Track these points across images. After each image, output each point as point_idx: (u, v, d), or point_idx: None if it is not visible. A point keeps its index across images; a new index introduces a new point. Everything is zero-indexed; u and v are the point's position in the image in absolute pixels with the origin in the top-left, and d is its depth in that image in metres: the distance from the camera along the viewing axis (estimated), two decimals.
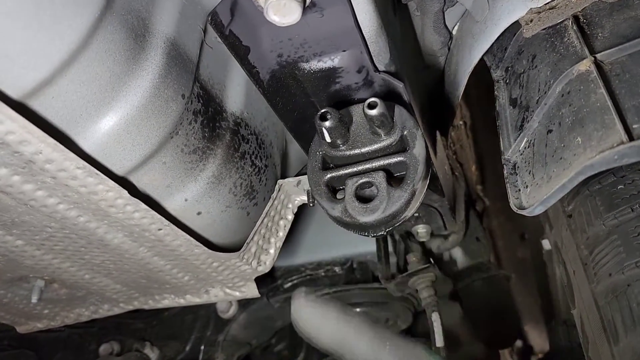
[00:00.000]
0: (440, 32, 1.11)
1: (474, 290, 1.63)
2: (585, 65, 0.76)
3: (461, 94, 1.12)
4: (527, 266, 2.11)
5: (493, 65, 1.03)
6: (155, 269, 1.14)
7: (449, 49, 1.18)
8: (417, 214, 1.43)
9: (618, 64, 0.74)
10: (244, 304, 1.62)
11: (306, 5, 0.74)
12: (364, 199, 0.82)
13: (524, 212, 0.76)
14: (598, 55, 0.76)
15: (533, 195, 0.76)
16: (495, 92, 0.99)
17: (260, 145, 1.09)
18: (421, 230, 1.45)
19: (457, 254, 1.62)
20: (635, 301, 0.73)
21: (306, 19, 0.77)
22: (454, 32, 1.15)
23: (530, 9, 0.90)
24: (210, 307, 1.64)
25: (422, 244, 1.54)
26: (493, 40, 0.97)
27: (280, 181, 1.14)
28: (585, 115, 0.71)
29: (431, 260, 1.45)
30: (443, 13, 1.08)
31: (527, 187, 0.79)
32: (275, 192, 1.13)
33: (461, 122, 1.70)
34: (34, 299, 1.21)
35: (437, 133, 1.33)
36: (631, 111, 0.67)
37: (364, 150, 0.84)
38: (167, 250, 1.04)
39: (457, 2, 1.07)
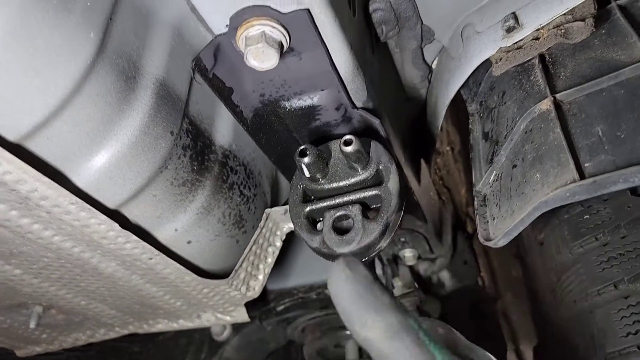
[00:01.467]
0: (420, 67, 1.15)
1: (462, 312, 1.66)
2: (546, 104, 0.80)
3: (440, 124, 1.16)
4: (521, 285, 2.13)
5: (469, 99, 1.07)
6: (147, 295, 1.17)
7: (429, 81, 1.23)
8: (403, 239, 1.47)
9: (576, 103, 0.78)
10: (237, 326, 1.65)
11: (284, 50, 0.79)
12: (341, 231, 0.85)
13: (489, 244, 0.79)
14: (558, 95, 0.80)
15: (499, 227, 0.80)
16: (470, 126, 1.03)
17: (248, 175, 1.12)
18: (408, 254, 1.48)
19: (445, 276, 1.65)
20: (596, 327, 0.77)
21: (285, 62, 0.82)
22: (433, 66, 1.20)
23: (500, 47, 0.94)
24: (205, 331, 1.67)
25: (409, 267, 1.57)
26: (467, 76, 1.01)
27: (267, 210, 1.17)
28: (544, 152, 0.75)
29: (416, 284, 1.48)
30: (421, 49, 1.13)
31: (494, 219, 0.82)
32: (263, 221, 1.16)
33: (448, 148, 1.74)
34: (32, 325, 1.25)
35: (422, 161, 1.38)
36: (584, 150, 0.71)
37: (341, 184, 0.88)
38: (159, 278, 1.08)
39: (434, 38, 1.12)
